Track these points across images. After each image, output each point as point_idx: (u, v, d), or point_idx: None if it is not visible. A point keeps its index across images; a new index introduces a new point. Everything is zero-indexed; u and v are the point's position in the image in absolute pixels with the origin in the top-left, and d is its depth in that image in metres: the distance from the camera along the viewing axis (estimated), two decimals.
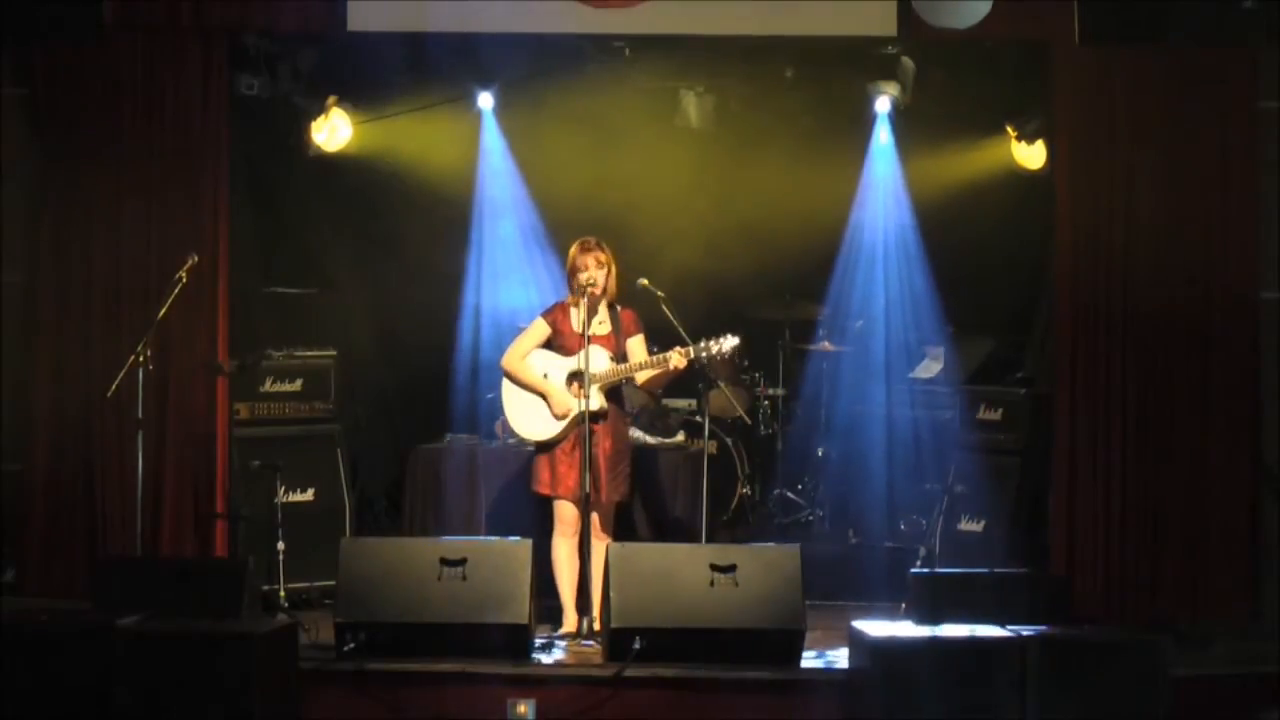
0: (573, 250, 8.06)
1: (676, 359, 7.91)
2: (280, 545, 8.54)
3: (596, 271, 7.99)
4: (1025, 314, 10.48)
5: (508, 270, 10.87)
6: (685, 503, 8.89)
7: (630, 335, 8.09)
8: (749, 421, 10.33)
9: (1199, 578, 8.61)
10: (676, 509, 8.93)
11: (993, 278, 10.78)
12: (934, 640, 7.18)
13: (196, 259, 8.41)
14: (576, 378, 7.96)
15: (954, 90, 10.10)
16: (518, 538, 7.70)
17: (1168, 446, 8.65)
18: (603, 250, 8.05)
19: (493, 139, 10.65)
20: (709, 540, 8.54)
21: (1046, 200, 9.16)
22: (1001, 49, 9.54)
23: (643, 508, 8.67)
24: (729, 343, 7.95)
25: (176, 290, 8.29)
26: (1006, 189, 10.26)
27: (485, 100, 10.55)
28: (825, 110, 10.65)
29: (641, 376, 8.05)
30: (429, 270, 10.94)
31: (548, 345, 8.11)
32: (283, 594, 8.49)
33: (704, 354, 7.94)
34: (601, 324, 8.05)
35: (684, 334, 8.04)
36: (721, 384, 9.31)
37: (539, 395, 8.02)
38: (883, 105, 10.20)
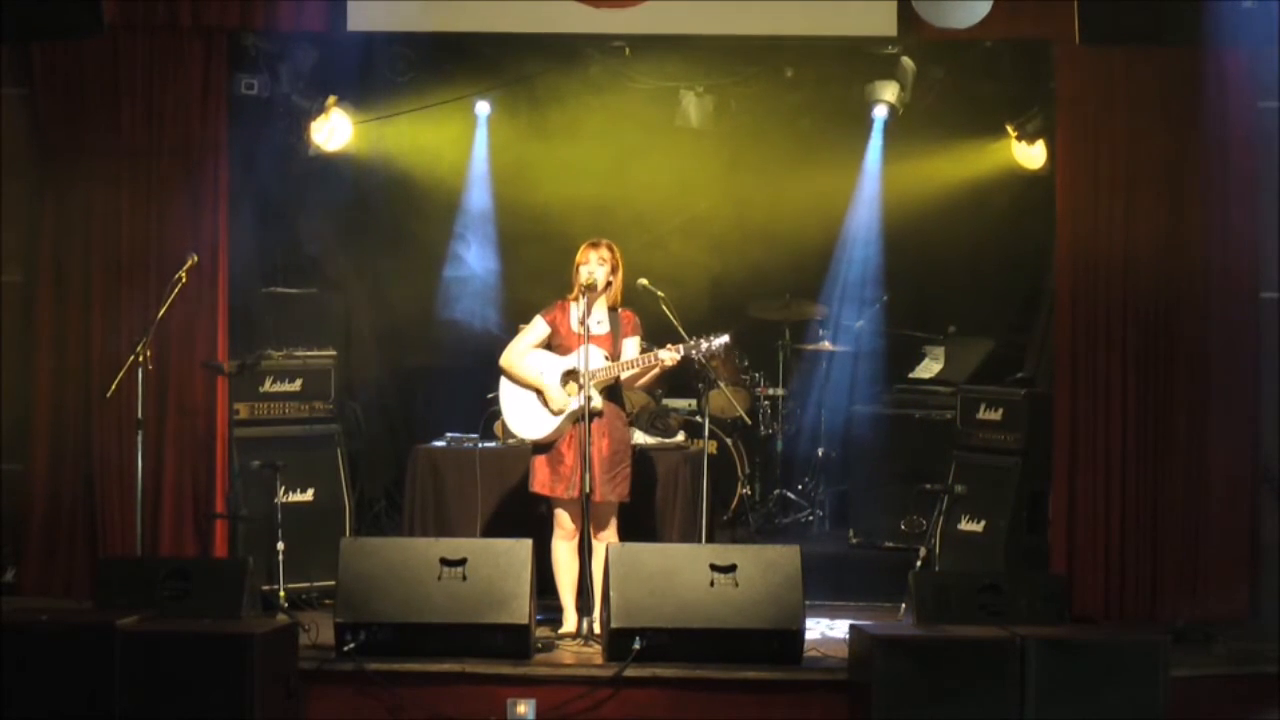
0: (581, 248, 8.08)
1: (667, 355, 7.91)
2: (280, 545, 8.54)
3: (598, 268, 8.00)
4: (1025, 314, 10.50)
5: (501, 273, 10.92)
6: (685, 503, 8.88)
7: (627, 336, 8.09)
8: (749, 421, 10.34)
9: (1199, 578, 8.60)
10: (676, 509, 8.93)
11: (993, 278, 10.81)
12: (934, 640, 7.18)
13: (196, 259, 8.42)
14: (571, 375, 7.97)
15: (954, 90, 10.11)
16: (517, 538, 7.70)
17: (1168, 446, 8.64)
18: (610, 250, 8.06)
19: (482, 148, 10.71)
20: (709, 540, 8.54)
21: (1046, 200, 9.16)
22: (1001, 49, 9.56)
23: (643, 508, 8.67)
24: (719, 340, 7.96)
25: (176, 290, 8.30)
26: (1006, 189, 10.28)
27: (482, 108, 10.60)
28: (825, 110, 10.68)
29: (634, 375, 8.04)
30: (428, 270, 10.97)
31: (546, 346, 8.11)
32: (283, 594, 8.49)
33: (694, 350, 7.94)
34: (600, 324, 8.05)
35: (682, 333, 8.05)
36: (721, 384, 9.32)
37: (536, 390, 8.02)
38: (880, 112, 10.24)
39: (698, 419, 9.11)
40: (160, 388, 8.68)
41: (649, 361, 7.95)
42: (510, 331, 8.63)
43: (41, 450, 8.88)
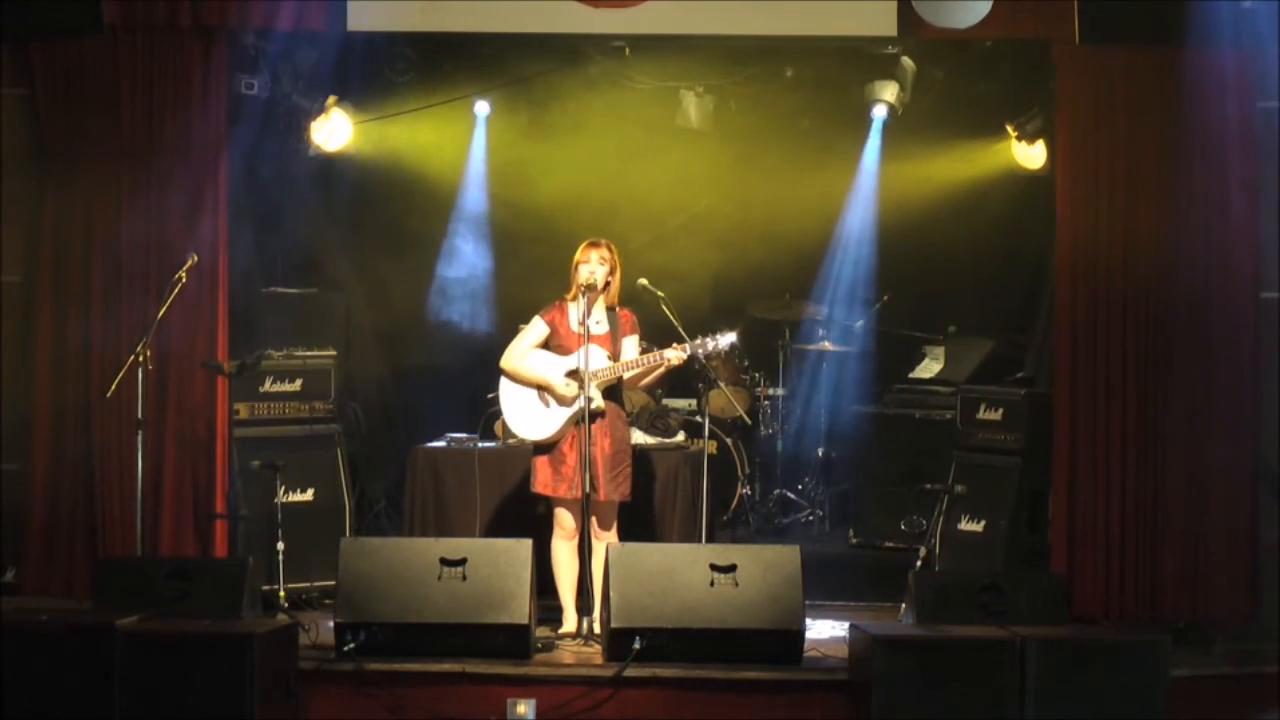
0: (580, 247, 8.08)
1: (673, 355, 7.92)
2: (280, 545, 8.54)
3: (598, 267, 8.00)
4: (1025, 314, 10.50)
5: (501, 273, 10.92)
6: (685, 503, 8.89)
7: (626, 335, 8.10)
8: (749, 421, 10.33)
9: (1199, 578, 8.59)
10: (676, 509, 8.93)
11: (993, 278, 10.81)
12: (934, 640, 7.18)
13: (196, 259, 8.42)
14: (574, 375, 7.97)
15: (954, 90, 10.11)
16: (517, 538, 7.70)
17: (1168, 446, 8.63)
18: (609, 250, 8.07)
19: (481, 148, 10.72)
20: (709, 540, 8.54)
21: (1046, 200, 9.16)
22: (1001, 49, 9.56)
23: (643, 508, 8.67)
24: (725, 339, 7.96)
25: (176, 290, 8.30)
26: (1006, 189, 10.28)
27: (482, 108, 10.60)
28: (825, 110, 10.68)
29: (638, 375, 8.05)
30: (428, 270, 10.97)
31: (545, 346, 8.11)
32: (283, 594, 8.49)
33: (700, 350, 7.95)
34: (599, 324, 8.05)
35: (683, 333, 8.06)
36: (721, 384, 9.32)
37: (540, 389, 8.02)
38: (879, 112, 10.24)
39: (698, 419, 9.11)
40: (160, 388, 8.68)
41: (654, 361, 7.96)
42: (509, 332, 8.63)
43: (41, 450, 8.87)
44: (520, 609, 7.50)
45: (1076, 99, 8.79)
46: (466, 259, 11.00)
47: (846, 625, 7.73)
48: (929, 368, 10.79)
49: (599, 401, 7.92)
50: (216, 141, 8.90)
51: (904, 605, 7.88)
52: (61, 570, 8.81)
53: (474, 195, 10.93)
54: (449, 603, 7.52)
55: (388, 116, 10.38)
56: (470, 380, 10.00)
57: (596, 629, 7.86)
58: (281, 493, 8.69)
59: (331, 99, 9.93)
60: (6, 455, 8.91)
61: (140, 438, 8.26)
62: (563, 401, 7.96)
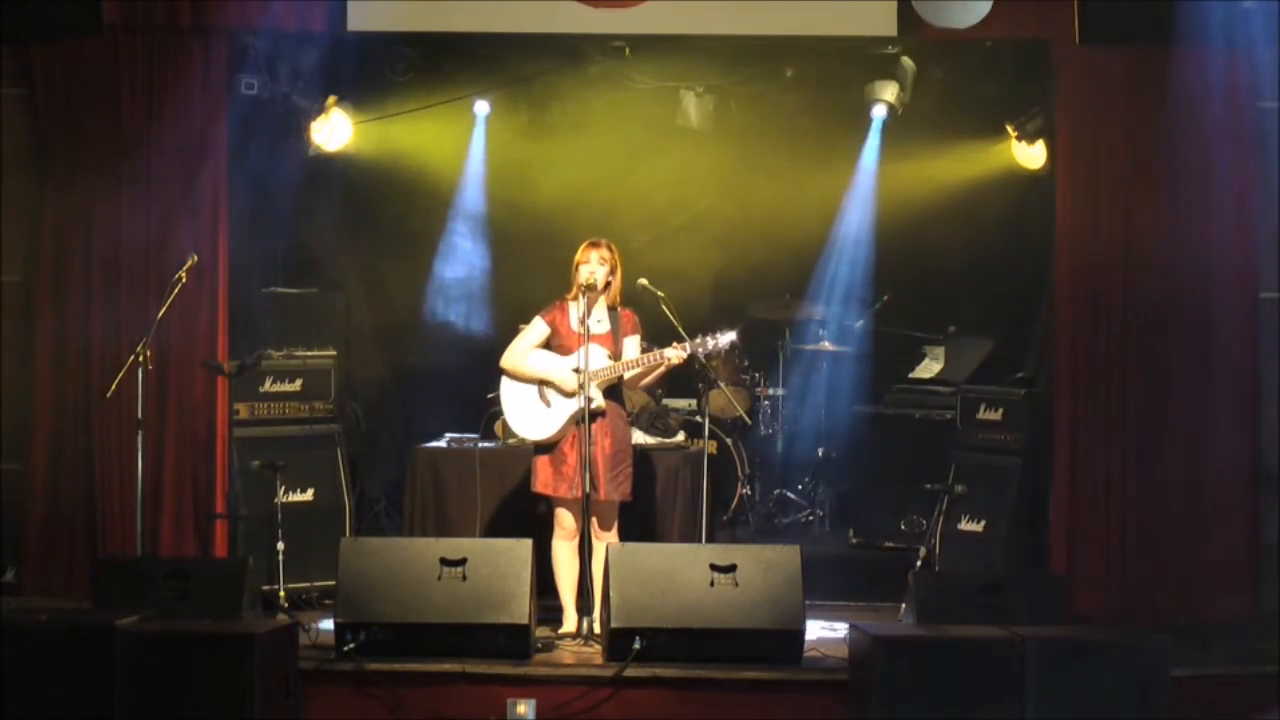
0: (580, 247, 8.09)
1: (673, 354, 7.92)
2: (280, 545, 8.54)
3: (599, 267, 8.01)
4: (1025, 314, 10.49)
5: (501, 273, 10.92)
6: (685, 503, 8.89)
7: (627, 335, 8.10)
8: (749, 421, 10.34)
9: (1199, 578, 8.60)
10: (676, 509, 8.93)
11: (993, 278, 10.80)
12: (934, 640, 7.18)
13: (196, 259, 8.42)
14: (575, 374, 7.96)
15: (954, 90, 10.12)
16: (517, 538, 7.70)
17: (1168, 447, 8.64)
18: (609, 250, 8.07)
19: (481, 148, 10.72)
20: (709, 540, 8.54)
21: (1046, 200, 9.17)
22: (1001, 49, 9.56)
23: (643, 508, 8.67)
24: (726, 338, 7.97)
25: (176, 290, 8.30)
26: (1006, 189, 10.28)
27: (481, 107, 10.60)
28: (825, 110, 10.68)
29: (639, 374, 8.05)
30: (428, 270, 10.97)
31: (546, 345, 8.11)
32: (283, 594, 8.49)
33: (701, 349, 7.95)
34: (600, 323, 8.06)
35: (683, 332, 8.06)
36: (721, 384, 9.32)
37: (542, 384, 8.01)
38: (879, 112, 10.24)
39: (698, 419, 9.11)
40: (160, 388, 8.69)
41: (655, 360, 7.96)
42: (509, 332, 8.63)
43: (41, 450, 8.88)
44: (520, 609, 7.50)
45: (1076, 99, 8.80)
46: (466, 259, 11.01)
47: (846, 625, 7.73)
48: (929, 368, 10.79)
49: (599, 401, 7.92)
50: (216, 141, 8.91)
51: (904, 605, 7.88)
52: (61, 570, 8.82)
53: (473, 195, 10.93)
54: (449, 603, 7.52)
55: (388, 116, 10.38)
56: (470, 380, 9.99)
57: (596, 629, 7.86)
58: (281, 493, 8.70)
59: (331, 99, 9.93)
60: (6, 455, 8.91)
61: (140, 438, 8.27)
62: (566, 391, 7.94)
